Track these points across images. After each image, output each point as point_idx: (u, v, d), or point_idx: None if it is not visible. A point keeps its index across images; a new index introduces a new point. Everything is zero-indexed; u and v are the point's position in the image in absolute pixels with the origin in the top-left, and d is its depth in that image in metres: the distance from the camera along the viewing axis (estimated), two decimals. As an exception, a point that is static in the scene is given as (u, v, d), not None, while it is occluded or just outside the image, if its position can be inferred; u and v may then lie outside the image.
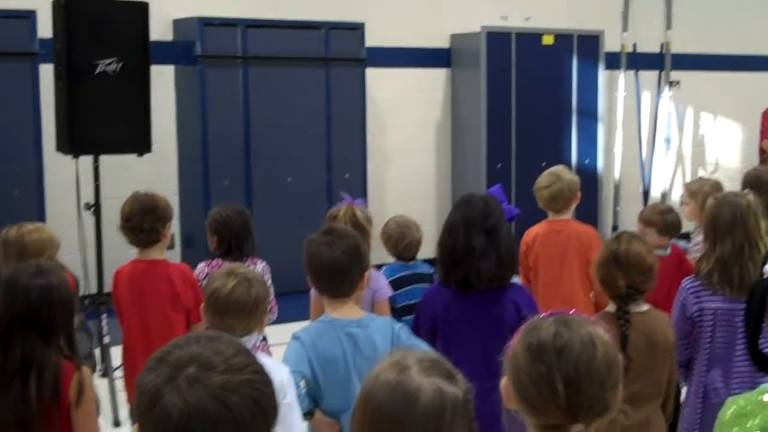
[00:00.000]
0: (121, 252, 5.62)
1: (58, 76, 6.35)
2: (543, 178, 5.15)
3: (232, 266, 3.37)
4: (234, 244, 4.60)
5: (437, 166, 10.36)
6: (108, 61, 6.26)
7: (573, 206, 5.16)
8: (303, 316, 3.91)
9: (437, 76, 10.23)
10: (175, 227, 7.81)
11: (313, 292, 4.24)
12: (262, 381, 1.50)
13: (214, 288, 3.11)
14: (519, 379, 1.96)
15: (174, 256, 8.31)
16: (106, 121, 6.32)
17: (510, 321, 3.56)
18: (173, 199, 7.36)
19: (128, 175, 7.54)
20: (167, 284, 4.35)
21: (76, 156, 6.39)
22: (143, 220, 4.31)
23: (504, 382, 2.02)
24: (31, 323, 2.88)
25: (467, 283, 3.65)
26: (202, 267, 4.63)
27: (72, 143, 6.28)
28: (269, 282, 4.49)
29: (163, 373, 1.45)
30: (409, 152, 10.13)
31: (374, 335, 3.31)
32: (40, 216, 7.39)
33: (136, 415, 1.51)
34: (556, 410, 1.89)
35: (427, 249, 4.88)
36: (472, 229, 3.64)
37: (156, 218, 4.34)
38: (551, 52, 10.15)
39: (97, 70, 6.24)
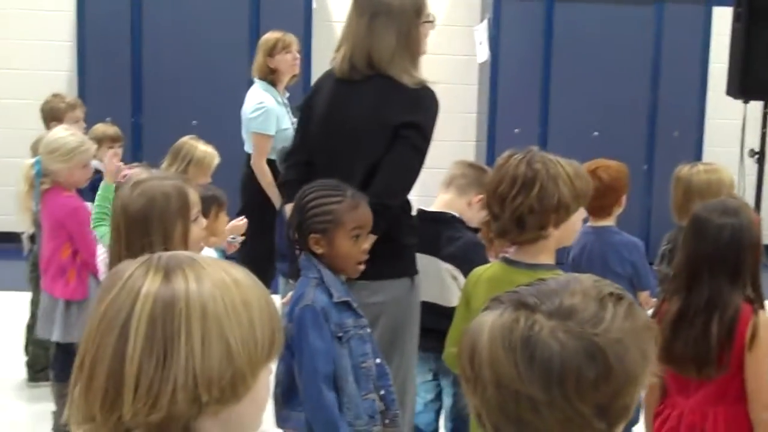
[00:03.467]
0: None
1: (736, 18, 6.18)
2: None
3: None
4: None
5: None
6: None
7: None
8: None
9: None
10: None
11: None
12: None
13: None
14: None
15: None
16: (782, 66, 6.02)
17: None
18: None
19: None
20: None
21: (746, 100, 6.20)
22: None
23: None
24: (720, 264, 2.82)
25: None
26: None
27: (743, 87, 6.09)
28: None
29: None
30: None
31: None
32: (697, 158, 7.34)
33: None
34: None
35: None
36: None
37: None
38: None
39: (779, 12, 5.96)
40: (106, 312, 1.26)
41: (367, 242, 2.93)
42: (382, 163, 3.23)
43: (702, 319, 2.82)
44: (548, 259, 2.70)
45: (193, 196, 2.65)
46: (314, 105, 3.43)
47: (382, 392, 2.93)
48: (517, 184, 2.59)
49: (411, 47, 3.28)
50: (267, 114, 5.41)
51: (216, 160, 4.78)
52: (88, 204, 4.27)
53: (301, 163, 3.44)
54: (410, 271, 3.38)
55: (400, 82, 3.25)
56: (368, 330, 2.93)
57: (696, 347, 2.82)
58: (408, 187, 3.30)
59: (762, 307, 2.89)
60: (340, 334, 2.81)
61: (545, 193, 2.59)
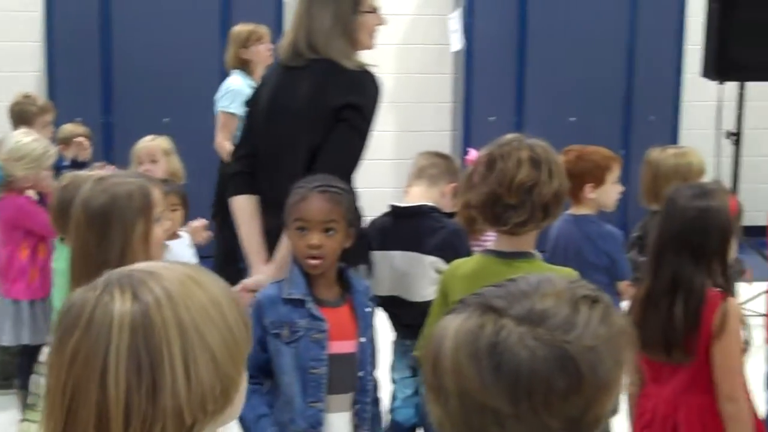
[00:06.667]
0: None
1: (711, -1, 6.17)
2: None
3: None
4: None
5: None
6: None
7: None
8: None
9: None
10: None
11: None
12: None
13: None
14: None
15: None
16: (757, 45, 6.00)
17: None
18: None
19: (770, 105, 7.16)
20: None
21: (721, 81, 6.17)
22: None
23: None
24: (683, 244, 2.78)
25: None
26: None
27: (719, 68, 6.07)
28: None
29: None
30: None
31: None
32: (673, 141, 7.31)
33: None
34: None
35: None
36: None
37: None
38: None
39: (752, -8, 5.95)
40: (76, 352, 1.17)
41: (316, 238, 2.79)
42: (321, 145, 3.18)
43: (667, 300, 2.77)
44: (531, 247, 2.66)
45: (157, 195, 2.58)
46: (260, 96, 3.41)
47: (357, 406, 2.85)
48: (543, 170, 2.52)
49: (348, 34, 3.25)
50: (233, 94, 5.42)
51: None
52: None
53: (246, 155, 3.40)
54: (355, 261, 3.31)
55: (340, 64, 3.22)
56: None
57: (663, 329, 2.77)
58: (350, 168, 3.22)
59: (732, 295, 2.85)
60: (276, 331, 2.75)
61: (564, 178, 2.58)
